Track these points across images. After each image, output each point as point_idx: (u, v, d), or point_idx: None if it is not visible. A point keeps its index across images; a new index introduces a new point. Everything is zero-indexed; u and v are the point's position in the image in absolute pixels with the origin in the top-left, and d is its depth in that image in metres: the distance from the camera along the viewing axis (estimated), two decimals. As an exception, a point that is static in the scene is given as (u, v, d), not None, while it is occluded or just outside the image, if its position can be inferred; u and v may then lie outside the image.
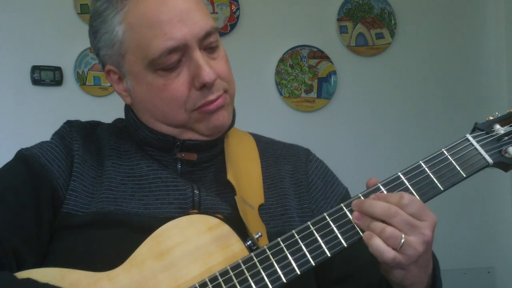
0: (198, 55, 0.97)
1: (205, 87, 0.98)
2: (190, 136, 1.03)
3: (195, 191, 1.00)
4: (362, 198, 0.88)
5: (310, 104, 2.89)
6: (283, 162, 1.11)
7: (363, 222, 0.86)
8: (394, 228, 0.82)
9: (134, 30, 0.97)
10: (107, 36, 1.00)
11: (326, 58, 2.89)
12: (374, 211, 0.84)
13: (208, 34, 0.98)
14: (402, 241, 0.81)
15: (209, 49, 1.00)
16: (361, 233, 0.86)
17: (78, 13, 2.62)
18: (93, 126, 1.11)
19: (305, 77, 2.88)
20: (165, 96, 0.99)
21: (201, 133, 1.03)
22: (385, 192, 0.88)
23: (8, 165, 1.02)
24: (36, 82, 2.56)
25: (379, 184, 0.89)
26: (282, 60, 2.86)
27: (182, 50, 0.96)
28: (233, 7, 2.81)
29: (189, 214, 0.92)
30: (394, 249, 0.82)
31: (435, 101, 3.00)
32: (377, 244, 0.82)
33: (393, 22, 2.97)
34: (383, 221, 0.84)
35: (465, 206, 2.93)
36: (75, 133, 1.06)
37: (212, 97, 0.99)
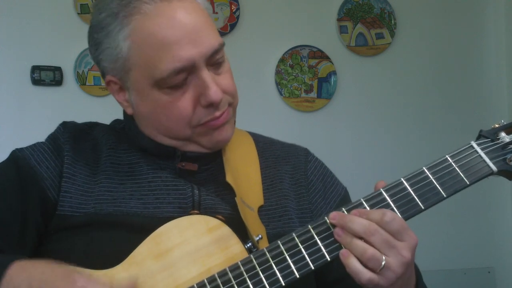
0: (206, 74, 0.96)
1: (211, 105, 0.97)
2: (192, 148, 1.03)
3: (195, 191, 1.00)
4: (365, 203, 0.88)
5: (310, 104, 2.88)
6: (282, 162, 1.10)
7: (344, 239, 0.85)
8: (375, 249, 0.82)
9: (140, 49, 0.95)
10: (110, 51, 0.98)
11: (326, 58, 2.89)
12: (354, 227, 0.84)
13: (215, 52, 0.97)
14: (383, 263, 0.81)
15: (215, 64, 0.99)
16: None
17: (78, 13, 2.62)
18: (90, 127, 1.11)
19: (305, 77, 2.88)
20: (171, 113, 0.98)
21: (203, 146, 1.03)
22: (387, 197, 0.88)
23: (0, 165, 1.03)
24: (36, 82, 2.55)
25: (382, 190, 0.89)
26: (282, 60, 2.85)
27: (189, 70, 0.95)
28: (233, 7, 2.80)
29: (189, 214, 0.92)
30: (373, 271, 0.82)
31: (434, 101, 3.00)
32: (354, 265, 0.83)
33: (393, 22, 2.97)
34: (363, 238, 0.83)
35: (465, 206, 2.92)
36: (67, 134, 1.06)
37: (217, 114, 0.99)
